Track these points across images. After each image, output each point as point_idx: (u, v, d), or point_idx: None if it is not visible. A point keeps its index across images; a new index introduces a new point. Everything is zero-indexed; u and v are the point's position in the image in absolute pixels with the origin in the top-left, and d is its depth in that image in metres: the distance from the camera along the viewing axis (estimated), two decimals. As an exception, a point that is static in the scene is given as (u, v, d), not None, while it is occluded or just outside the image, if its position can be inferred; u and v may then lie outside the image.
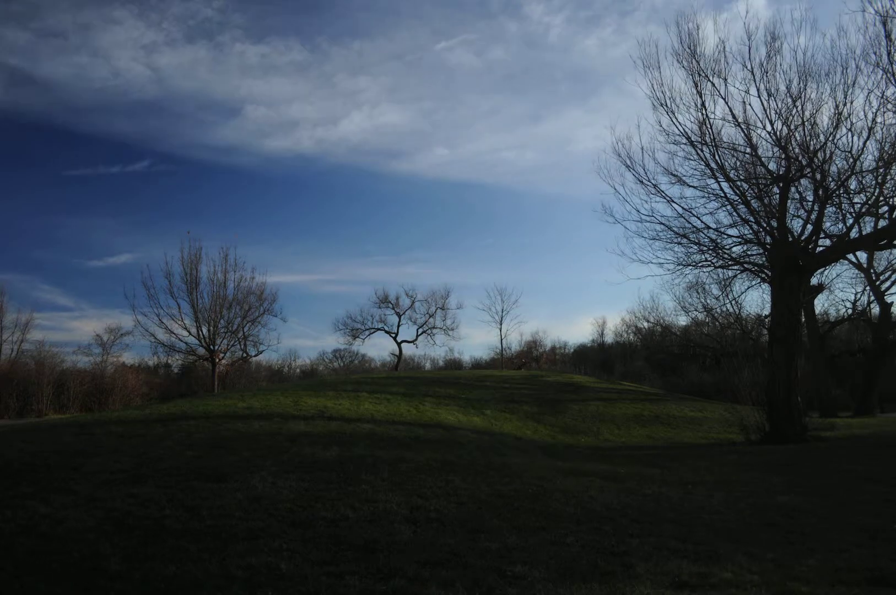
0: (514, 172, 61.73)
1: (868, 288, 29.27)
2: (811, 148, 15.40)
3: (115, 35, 52.77)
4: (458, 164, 56.44)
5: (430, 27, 51.30)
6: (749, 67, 15.42)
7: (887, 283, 28.70)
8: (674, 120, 16.51)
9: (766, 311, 23.12)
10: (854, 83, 14.70)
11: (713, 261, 18.22)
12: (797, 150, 15.67)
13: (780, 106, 15.41)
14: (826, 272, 26.40)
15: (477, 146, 55.74)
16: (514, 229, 64.18)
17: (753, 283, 22.86)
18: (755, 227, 16.91)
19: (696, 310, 33.61)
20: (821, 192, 15.96)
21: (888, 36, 13.99)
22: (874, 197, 16.13)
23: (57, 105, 53.89)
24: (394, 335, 46.95)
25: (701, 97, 16.01)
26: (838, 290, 31.35)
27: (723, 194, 16.88)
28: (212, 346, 32.59)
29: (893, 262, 28.20)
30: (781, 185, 16.27)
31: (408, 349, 49.23)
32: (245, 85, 52.31)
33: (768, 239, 16.69)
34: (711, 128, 16.16)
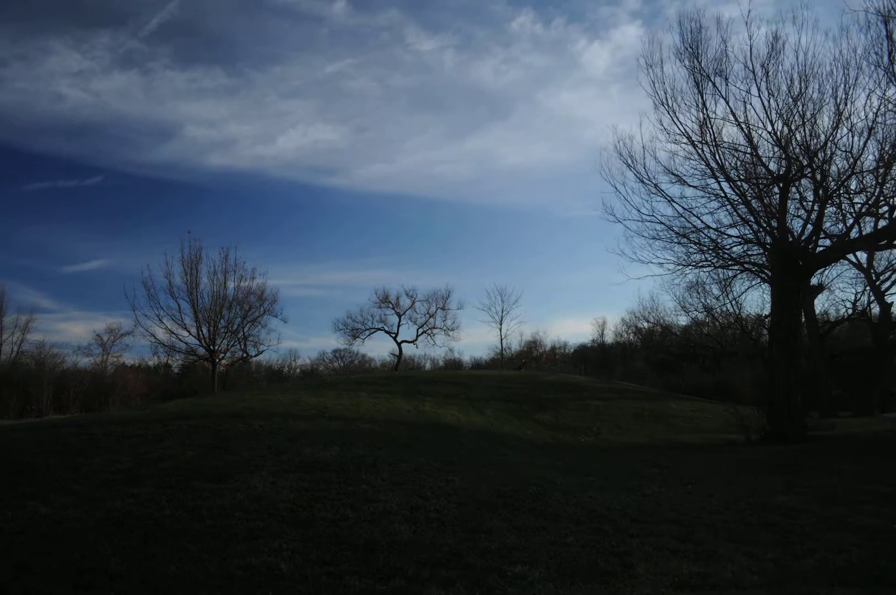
0: (451, 185, 66.84)
1: (868, 288, 29.25)
2: (811, 148, 15.40)
3: (53, 64, 56.82)
4: (394, 178, 60.44)
5: (336, 56, 58.09)
6: (750, 67, 15.43)
7: (887, 283, 28.66)
8: (674, 119, 16.52)
9: (766, 311, 23.11)
10: (855, 83, 14.70)
11: (713, 261, 18.22)
12: (797, 150, 15.67)
13: (780, 106, 15.42)
14: (826, 272, 26.35)
15: (411, 161, 59.34)
16: (457, 236, 66.39)
17: (753, 283, 22.84)
18: (755, 227, 16.91)
19: (696, 310, 33.52)
20: (821, 192, 15.95)
21: (889, 36, 13.99)
22: (874, 197, 16.13)
23: (7, 128, 56.69)
24: (394, 335, 46.94)
25: (702, 97, 16.02)
26: (838, 290, 31.30)
27: (723, 194, 16.89)
28: (212, 347, 32.60)
29: (893, 262, 28.17)
30: (781, 185, 16.26)
31: (408, 349, 49.24)
32: (181, 107, 60.16)
33: (768, 239, 16.68)
34: (712, 127, 16.17)
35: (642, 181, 17.15)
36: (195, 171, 61.92)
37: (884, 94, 14.58)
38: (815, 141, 15.38)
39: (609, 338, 55.84)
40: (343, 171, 62.97)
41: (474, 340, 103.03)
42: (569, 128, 61.92)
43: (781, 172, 16.18)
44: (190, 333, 32.50)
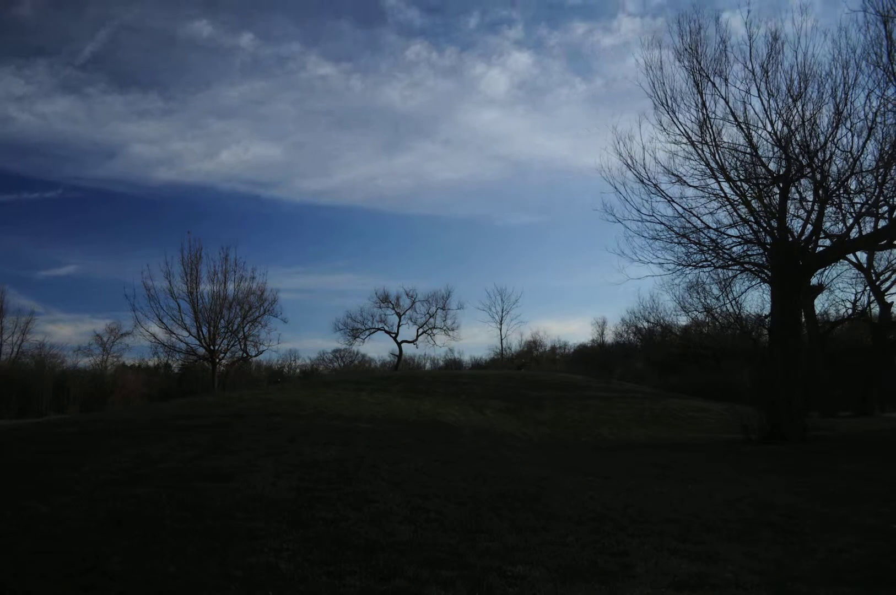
0: (392, 197, 70.99)
1: (868, 288, 29.26)
2: (811, 148, 15.39)
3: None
4: (336, 190, 63.24)
5: (253, 83, 64.51)
6: (750, 67, 15.43)
7: (887, 283, 28.70)
8: (674, 119, 16.51)
9: (766, 311, 23.15)
10: (855, 83, 14.70)
11: (713, 261, 18.20)
12: (797, 150, 15.66)
13: (780, 106, 15.41)
14: (826, 272, 26.37)
15: (350, 175, 62.83)
16: (403, 243, 75.01)
17: (753, 283, 22.80)
18: (755, 227, 16.90)
19: (696, 310, 33.59)
20: (821, 192, 15.95)
21: (889, 36, 13.99)
22: (874, 197, 16.11)
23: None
24: (394, 335, 47.01)
25: (702, 97, 16.00)
26: (838, 290, 31.29)
27: (723, 194, 16.87)
28: (212, 347, 32.61)
29: (893, 262, 28.21)
30: (781, 185, 16.25)
31: (408, 349, 49.38)
32: (123, 127, 64.56)
33: (768, 239, 16.68)
34: (712, 127, 16.16)
35: (642, 181, 17.14)
36: (143, 185, 66.46)
37: (883, 93, 14.59)
38: (815, 141, 15.38)
39: (609, 338, 55.94)
40: (285, 184, 67.21)
41: (474, 340, 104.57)
42: (492, 144, 65.34)
43: (781, 172, 16.17)
44: (190, 333, 32.55)
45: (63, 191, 65.50)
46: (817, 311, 30.25)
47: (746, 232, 17.42)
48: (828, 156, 15.44)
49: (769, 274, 17.38)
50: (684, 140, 16.57)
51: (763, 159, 16.36)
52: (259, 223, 72.15)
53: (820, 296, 28.42)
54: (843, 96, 14.73)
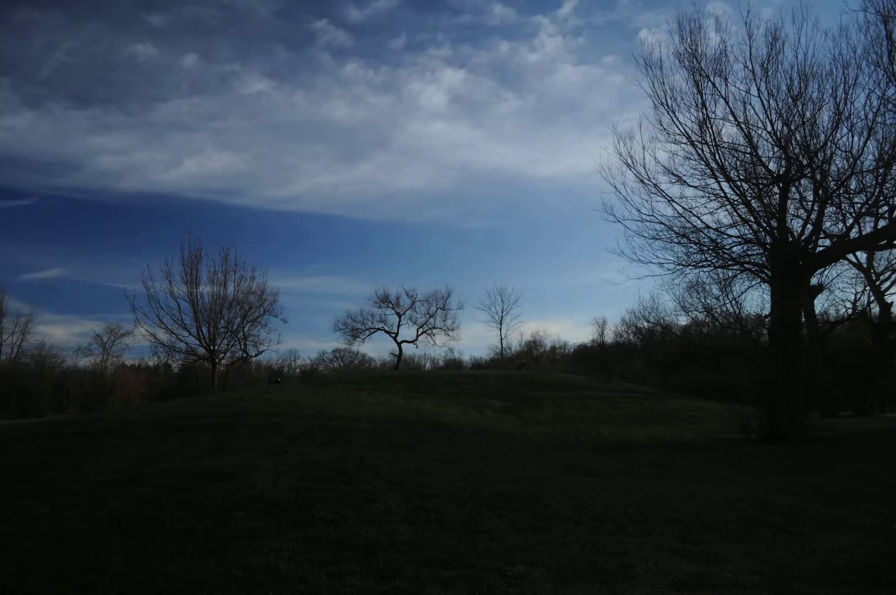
0: (351, 205, 75.41)
1: (868, 288, 29.27)
2: (811, 148, 15.39)
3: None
4: (300, 198, 72.30)
5: (203, 99, 68.91)
6: (750, 67, 15.43)
7: (887, 283, 28.70)
8: (674, 119, 16.52)
9: (766, 311, 23.14)
10: (855, 83, 14.70)
11: (713, 261, 18.21)
12: (797, 150, 15.66)
13: (780, 106, 15.42)
14: (826, 272, 26.38)
15: (311, 184, 65.35)
16: (361, 250, 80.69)
17: (753, 283, 22.80)
18: (755, 227, 16.90)
19: (696, 310, 33.57)
20: (821, 192, 15.95)
21: (889, 36, 14.00)
22: (874, 197, 16.11)
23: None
24: (394, 335, 46.98)
25: (702, 97, 16.01)
26: (838, 290, 31.29)
27: (723, 194, 16.88)
28: (212, 347, 32.60)
29: (893, 262, 28.21)
30: (781, 185, 16.26)
31: (408, 349, 49.35)
32: (88, 139, 67.75)
33: (768, 239, 16.68)
34: (712, 127, 16.17)
35: (642, 181, 17.15)
36: (112, 194, 69.52)
37: (883, 93, 14.59)
38: (815, 141, 15.38)
39: (609, 338, 55.94)
40: (249, 192, 70.40)
41: (474, 340, 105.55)
42: (444, 154, 73.01)
43: (781, 172, 16.17)
44: (190, 333, 32.53)
45: (39, 199, 68.15)
46: (817, 311, 30.26)
47: (746, 232, 17.44)
48: (828, 156, 15.45)
49: (769, 274, 17.38)
50: (684, 140, 16.60)
51: (763, 159, 16.36)
52: (227, 229, 75.33)
53: (820, 296, 28.43)
54: (843, 96, 14.75)
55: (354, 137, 72.59)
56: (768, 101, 15.41)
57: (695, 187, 17.09)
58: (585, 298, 78.21)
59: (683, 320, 38.19)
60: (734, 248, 17.99)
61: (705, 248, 17.71)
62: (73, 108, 67.78)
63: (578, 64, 74.05)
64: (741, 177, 16.88)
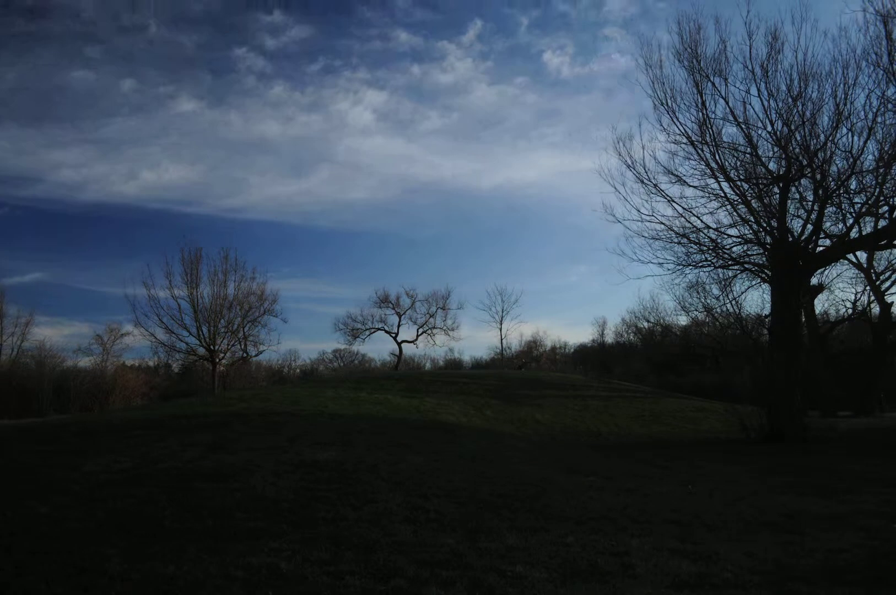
0: (304, 213, 78.83)
1: (868, 288, 29.25)
2: (811, 148, 15.40)
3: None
4: (252, 207, 75.28)
5: (143, 120, 72.43)
6: (750, 67, 15.43)
7: (887, 283, 28.67)
8: (674, 119, 16.53)
9: (766, 311, 23.05)
10: (854, 83, 14.71)
11: (713, 261, 18.21)
12: (797, 150, 15.67)
13: (780, 106, 15.43)
14: (826, 272, 26.32)
15: (263, 195, 75.18)
16: (313, 256, 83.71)
17: (753, 283, 22.77)
18: (755, 227, 16.91)
19: (696, 310, 33.47)
20: (821, 192, 15.95)
21: (888, 36, 14.01)
22: (874, 197, 16.12)
23: None
24: (394, 335, 46.99)
25: (701, 97, 16.02)
26: (838, 290, 31.31)
27: (723, 194, 16.89)
28: (212, 347, 32.61)
29: (893, 262, 28.17)
30: (781, 184, 16.26)
31: (408, 349, 49.30)
32: (48, 154, 69.51)
33: (768, 239, 16.68)
34: (712, 127, 16.18)
35: (642, 181, 17.17)
36: (74, 204, 74.42)
37: (883, 93, 14.61)
38: (815, 141, 15.39)
39: (609, 338, 55.90)
40: (206, 202, 76.75)
41: (474, 340, 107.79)
42: (385, 168, 76.71)
43: (781, 172, 16.18)
44: (190, 333, 32.56)
45: (9, 209, 71.22)
46: (817, 311, 30.23)
47: (746, 232, 17.45)
48: (828, 156, 15.47)
49: (769, 274, 17.39)
50: (684, 140, 16.62)
51: (763, 159, 16.38)
52: (190, 237, 78.98)
53: (820, 296, 28.36)
54: (843, 96, 14.76)
55: (297, 153, 79.06)
56: (768, 101, 15.44)
57: (695, 187, 17.13)
58: (554, 301, 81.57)
59: (683, 320, 38.09)
60: (734, 248, 18.02)
61: (705, 248, 17.72)
62: (28, 126, 71.98)
63: (493, 84, 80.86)
64: (741, 177, 16.89)
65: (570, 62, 80.00)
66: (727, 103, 15.97)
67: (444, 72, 78.83)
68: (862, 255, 27.46)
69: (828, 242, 18.02)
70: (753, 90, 15.54)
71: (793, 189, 16.49)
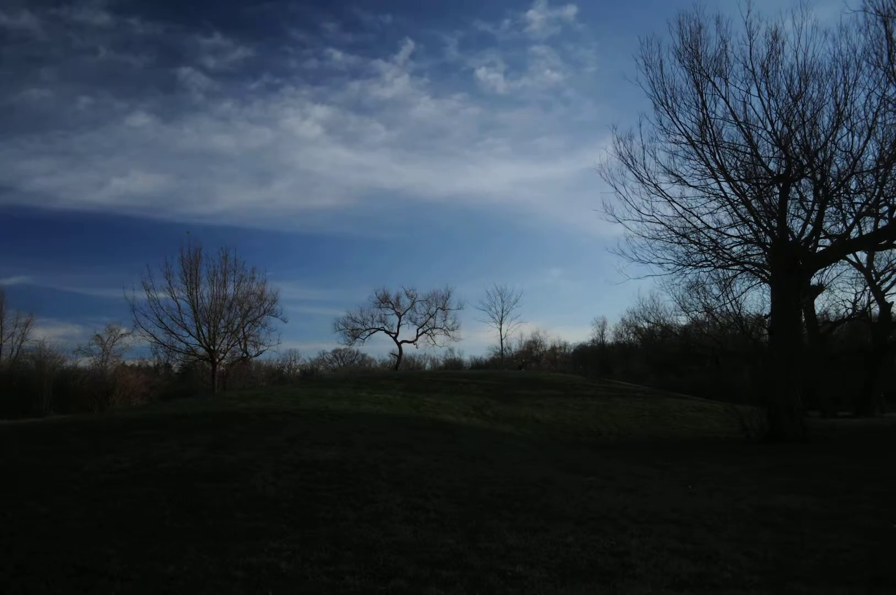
0: (272, 219, 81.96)
1: (868, 288, 29.26)
2: (811, 148, 15.39)
3: None
4: (221, 215, 77.67)
5: (105, 131, 75.23)
6: (750, 67, 15.43)
7: (887, 283, 28.69)
8: (674, 119, 16.53)
9: (766, 311, 23.08)
10: (855, 83, 14.71)
11: (713, 261, 18.22)
12: (797, 150, 15.67)
13: (780, 106, 15.42)
14: (826, 272, 26.36)
15: (233, 201, 77.34)
16: (278, 262, 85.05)
17: (753, 283, 22.83)
18: (755, 227, 16.91)
19: (696, 310, 33.50)
20: (821, 192, 15.95)
21: (889, 36, 14.00)
22: (874, 197, 16.12)
23: None
24: (394, 335, 47.01)
25: (702, 96, 16.01)
26: (838, 290, 31.28)
27: (723, 194, 16.89)
28: (212, 347, 32.62)
29: (893, 262, 28.20)
30: (781, 184, 16.26)
31: (408, 349, 49.33)
32: (19, 164, 71.87)
33: (768, 239, 16.68)
34: (712, 127, 16.17)
35: (642, 181, 17.17)
36: (47, 210, 75.84)
37: (883, 93, 14.60)
38: (815, 141, 15.39)
39: (609, 338, 55.91)
40: (173, 210, 78.44)
41: (474, 340, 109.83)
42: (350, 175, 79.71)
43: (781, 172, 16.17)
44: (190, 333, 32.57)
45: None
46: (817, 311, 30.24)
47: (746, 232, 17.45)
48: (828, 156, 15.46)
49: (769, 274, 17.40)
50: (684, 140, 16.61)
51: (763, 159, 16.36)
52: (162, 242, 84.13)
53: (820, 296, 28.38)
54: (843, 96, 14.75)
55: (257, 164, 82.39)
56: (768, 101, 15.43)
57: (695, 187, 17.13)
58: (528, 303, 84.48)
59: (683, 320, 38.13)
60: (734, 248, 18.03)
61: (705, 248, 17.73)
62: (-4, 139, 73.66)
63: (433, 98, 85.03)
64: (741, 177, 16.89)
65: (504, 78, 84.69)
66: (727, 103, 15.98)
67: (384, 87, 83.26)
68: (862, 255, 27.50)
69: (828, 242, 18.03)
70: (754, 90, 15.55)
71: (793, 189, 16.49)
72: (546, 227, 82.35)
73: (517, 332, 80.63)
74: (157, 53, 76.68)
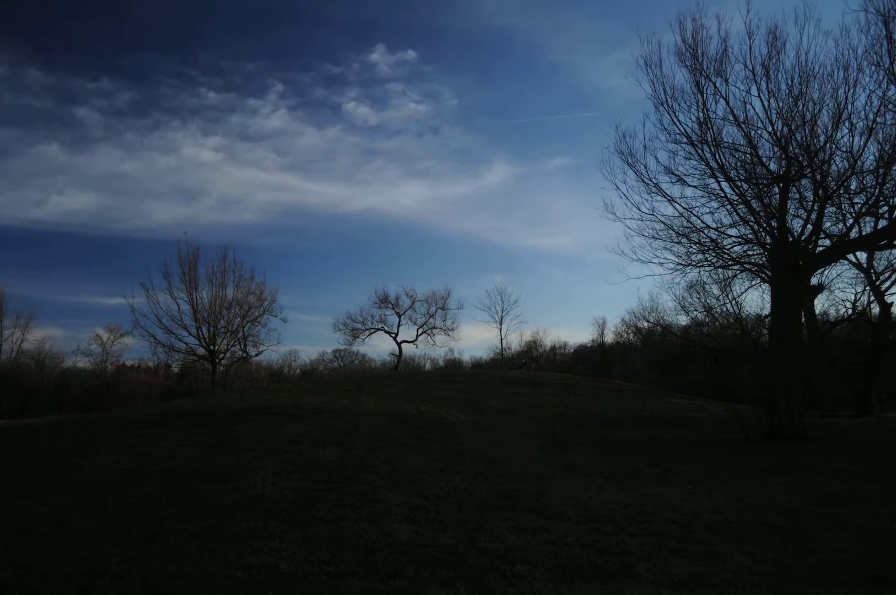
0: (205, 232, 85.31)
1: (868, 288, 29.24)
2: (811, 148, 15.38)
3: None
4: (161, 228, 79.50)
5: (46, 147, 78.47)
6: (751, 67, 15.42)
7: (887, 283, 28.64)
8: (674, 119, 16.51)
9: (766, 311, 23.11)
10: (855, 83, 14.70)
11: (713, 261, 18.21)
12: (797, 150, 15.66)
13: (781, 106, 15.40)
14: (826, 272, 26.32)
15: (168, 216, 78.79)
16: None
17: (753, 283, 22.79)
18: (755, 227, 16.90)
19: (696, 310, 33.53)
20: (821, 192, 15.95)
21: (889, 36, 13.98)
22: (874, 197, 16.11)
23: None
24: (394, 335, 46.97)
25: (702, 96, 15.98)
26: (838, 290, 31.31)
27: (723, 194, 16.88)
28: (212, 347, 32.63)
29: (893, 262, 28.14)
30: (781, 185, 16.25)
31: (408, 349, 49.29)
32: None
33: (768, 239, 16.68)
34: (712, 127, 16.15)
35: (643, 180, 17.16)
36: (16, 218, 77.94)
37: (884, 94, 14.58)
38: (815, 141, 15.37)
39: (609, 338, 55.94)
40: (113, 226, 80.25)
41: (474, 340, 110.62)
42: (269, 194, 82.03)
43: (781, 172, 16.16)
44: (190, 333, 32.59)
45: None
46: (817, 311, 30.22)
47: (746, 232, 17.44)
48: (828, 156, 15.45)
49: (769, 274, 17.38)
50: (685, 140, 16.59)
51: (763, 159, 16.35)
52: (102, 256, 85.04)
53: (820, 296, 28.36)
54: (843, 96, 14.74)
55: (178, 184, 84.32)
56: (769, 102, 15.41)
57: (695, 187, 17.13)
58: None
59: (683, 320, 38.19)
60: (734, 248, 18.00)
61: (705, 248, 17.71)
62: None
63: (317, 128, 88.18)
64: (741, 177, 16.88)
65: (372, 111, 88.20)
66: (728, 103, 15.95)
67: (266, 119, 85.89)
68: (862, 256, 27.45)
69: (828, 242, 18.02)
70: (754, 90, 15.53)
71: (793, 189, 16.48)
72: (450, 237, 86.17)
73: (517, 333, 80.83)
74: (52, 97, 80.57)
